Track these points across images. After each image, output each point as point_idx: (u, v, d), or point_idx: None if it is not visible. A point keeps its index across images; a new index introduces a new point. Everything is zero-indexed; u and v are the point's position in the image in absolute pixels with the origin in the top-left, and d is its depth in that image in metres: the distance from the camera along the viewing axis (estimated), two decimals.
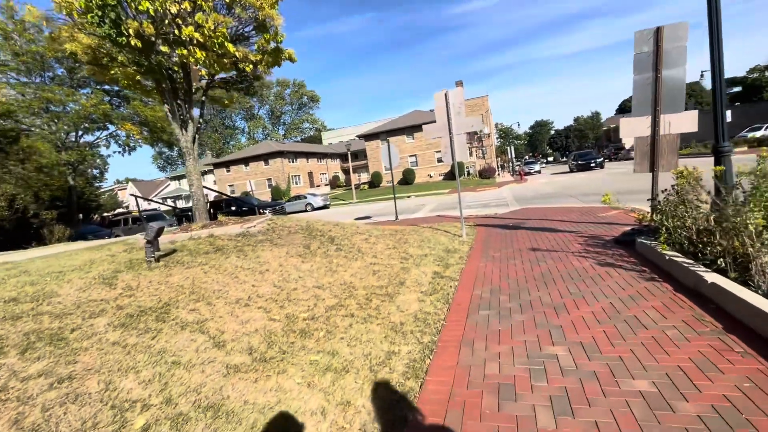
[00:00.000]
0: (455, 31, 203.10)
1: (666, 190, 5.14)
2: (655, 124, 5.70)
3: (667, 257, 4.42)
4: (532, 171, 41.17)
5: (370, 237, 7.79)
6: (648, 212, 6.12)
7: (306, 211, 28.89)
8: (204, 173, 59.51)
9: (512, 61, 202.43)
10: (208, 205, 22.24)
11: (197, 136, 7.62)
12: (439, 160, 40.98)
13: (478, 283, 5.07)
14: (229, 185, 49.78)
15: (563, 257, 5.69)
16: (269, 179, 47.65)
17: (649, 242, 5.13)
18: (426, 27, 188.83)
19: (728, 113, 27.68)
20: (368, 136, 43.63)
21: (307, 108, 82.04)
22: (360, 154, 53.48)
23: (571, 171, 34.73)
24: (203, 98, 8.15)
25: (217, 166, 50.33)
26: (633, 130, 5.91)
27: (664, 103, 5.58)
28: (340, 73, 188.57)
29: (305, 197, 29.40)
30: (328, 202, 29.75)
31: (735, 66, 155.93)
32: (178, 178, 62.34)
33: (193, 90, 7.99)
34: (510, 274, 5.27)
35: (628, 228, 6.95)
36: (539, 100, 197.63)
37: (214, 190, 14.84)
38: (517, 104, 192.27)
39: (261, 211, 18.51)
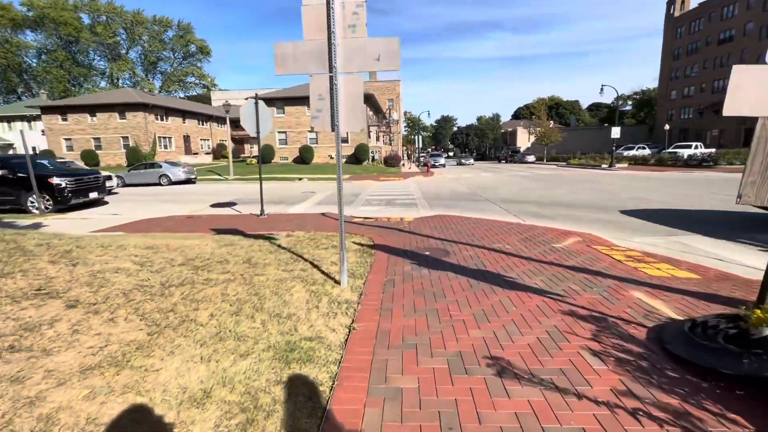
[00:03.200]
0: (374, 15, 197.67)
1: None
2: None
3: None
4: (437, 164, 39.74)
5: (91, 307, 3.08)
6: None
7: (160, 184, 21.87)
8: (30, 119, 44.88)
9: (424, 56, 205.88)
10: None
11: None
12: (343, 140, 36.57)
13: None
14: (66, 138, 37.65)
15: None
16: (125, 137, 37.22)
17: None
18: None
19: (617, 130, 29.23)
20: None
21: (194, 59, 68.93)
22: None
23: None
24: None
25: (46, 110, 37.45)
26: (755, 97, 2.41)
27: None
28: (244, 35, 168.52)
29: (160, 166, 22.19)
30: (193, 176, 23.04)
31: (607, 95, 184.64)
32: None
33: None
34: None
35: (677, 315, 3.64)
36: (446, 96, 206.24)
37: None
38: (424, 98, 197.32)
39: (52, 182, 11.70)
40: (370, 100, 37.44)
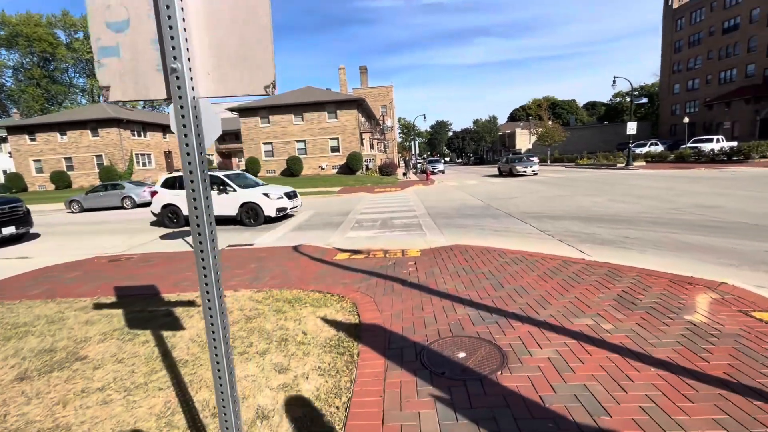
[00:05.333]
0: (361, 25, 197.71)
1: None
2: None
3: None
4: (436, 170, 37.14)
5: None
6: None
7: (124, 207, 19.14)
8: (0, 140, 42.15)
9: (414, 63, 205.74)
10: None
11: None
12: (334, 149, 34.03)
13: None
14: (35, 159, 34.88)
15: None
16: (99, 156, 34.48)
17: None
18: (331, 15, 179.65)
19: (633, 125, 26.74)
20: (244, 111, 34.01)
21: None
22: (239, 135, 43.26)
23: None
24: None
25: (12, 130, 34.70)
26: None
27: None
28: None
29: (123, 187, 19.44)
30: None
31: (602, 93, 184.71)
32: None
33: None
34: None
35: None
36: (439, 103, 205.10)
37: None
38: (417, 104, 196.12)
39: None
40: (362, 105, 34.98)
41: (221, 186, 11.26)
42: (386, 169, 33.59)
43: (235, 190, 11.12)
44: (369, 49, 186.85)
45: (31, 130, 34.53)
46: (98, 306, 4.41)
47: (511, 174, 25.16)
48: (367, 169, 35.09)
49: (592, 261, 5.10)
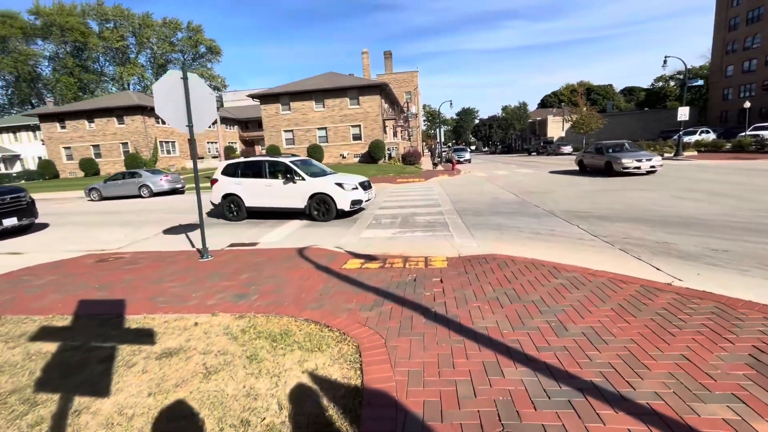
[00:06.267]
0: (385, 10, 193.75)
1: None
2: None
3: None
4: (461, 159, 35.43)
5: None
6: None
7: (141, 196, 18.83)
8: (34, 128, 43.48)
9: (440, 50, 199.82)
10: None
11: None
12: (356, 137, 32.90)
13: None
14: (65, 147, 35.65)
15: None
16: (125, 143, 34.82)
17: None
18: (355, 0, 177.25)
19: (685, 111, 24.12)
20: (264, 97, 33.26)
21: (204, 60, 66.85)
22: (261, 123, 42.81)
23: None
24: None
25: (44, 118, 35.46)
26: None
27: None
28: (262, 38, 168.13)
29: (140, 176, 19.12)
30: (180, 185, 19.87)
31: (641, 78, 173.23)
32: None
33: None
34: None
35: None
36: (466, 90, 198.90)
37: None
38: (443, 91, 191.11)
39: None
40: (385, 90, 33.55)
41: (287, 174, 9.75)
42: (409, 158, 32.20)
43: (303, 179, 9.61)
44: (393, 35, 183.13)
45: (61, 117, 35.22)
46: (39, 333, 3.53)
47: (610, 171, 15.22)
48: (390, 157, 33.80)
49: (684, 288, 3.76)
